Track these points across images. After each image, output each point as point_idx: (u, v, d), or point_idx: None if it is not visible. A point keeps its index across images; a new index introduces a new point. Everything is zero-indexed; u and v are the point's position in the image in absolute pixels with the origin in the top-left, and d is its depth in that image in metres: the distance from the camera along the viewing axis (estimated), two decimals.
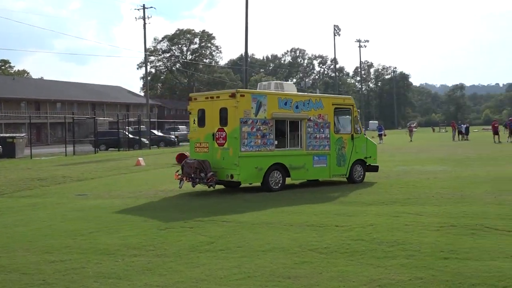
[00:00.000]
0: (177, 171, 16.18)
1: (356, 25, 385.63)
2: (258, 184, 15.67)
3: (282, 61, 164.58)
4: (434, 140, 53.26)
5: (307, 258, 7.77)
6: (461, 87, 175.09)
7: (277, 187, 15.54)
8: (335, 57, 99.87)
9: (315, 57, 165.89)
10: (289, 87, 17.30)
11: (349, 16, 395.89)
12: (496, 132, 44.85)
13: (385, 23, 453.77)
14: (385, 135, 53.47)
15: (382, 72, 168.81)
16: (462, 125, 54.22)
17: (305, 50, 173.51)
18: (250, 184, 16.10)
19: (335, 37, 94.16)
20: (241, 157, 14.91)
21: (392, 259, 7.57)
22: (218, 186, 15.92)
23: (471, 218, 10.37)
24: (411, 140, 50.89)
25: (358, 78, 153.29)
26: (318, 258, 7.79)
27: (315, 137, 16.66)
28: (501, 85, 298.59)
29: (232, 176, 14.98)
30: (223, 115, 15.21)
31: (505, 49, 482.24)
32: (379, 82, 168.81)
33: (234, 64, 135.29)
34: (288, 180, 16.21)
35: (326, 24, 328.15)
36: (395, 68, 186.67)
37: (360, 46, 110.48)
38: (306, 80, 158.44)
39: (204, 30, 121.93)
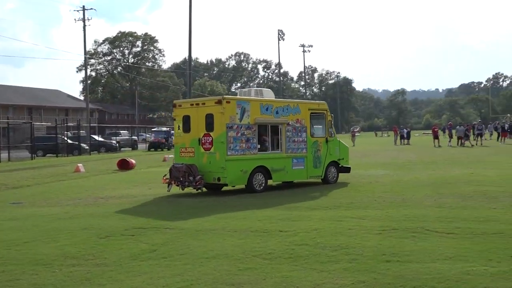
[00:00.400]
0: (165, 175, 16.77)
1: (300, 30, 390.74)
2: (242, 186, 16.47)
3: (227, 65, 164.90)
4: (377, 144, 54.50)
5: (251, 264, 7.78)
6: (402, 92, 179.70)
7: (260, 188, 16.47)
8: (279, 62, 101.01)
9: (260, 62, 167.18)
10: (268, 93, 18.32)
11: (293, 21, 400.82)
12: (436, 137, 46.32)
13: (329, 28, 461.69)
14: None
15: (326, 77, 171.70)
16: (403, 130, 55.69)
17: (249, 55, 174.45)
18: (233, 186, 16.72)
19: (280, 41, 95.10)
20: (228, 160, 15.75)
21: (336, 264, 7.68)
22: (160, 191, 15.72)
23: (412, 221, 10.64)
24: (353, 145, 51.92)
25: (302, 83, 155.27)
26: (262, 264, 7.81)
27: (294, 140, 17.70)
28: (440, 90, 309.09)
29: (219, 179, 15.79)
30: (209, 120, 16.00)
31: (444, 56, 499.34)
32: (323, 87, 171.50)
33: (177, 68, 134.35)
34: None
35: (270, 28, 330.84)
36: (339, 73, 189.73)
37: (304, 51, 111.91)
38: (251, 84, 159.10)
39: (146, 33, 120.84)
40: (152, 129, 64.75)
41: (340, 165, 19.30)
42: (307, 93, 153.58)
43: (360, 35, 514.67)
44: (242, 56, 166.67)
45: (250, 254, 8.36)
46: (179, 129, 16.92)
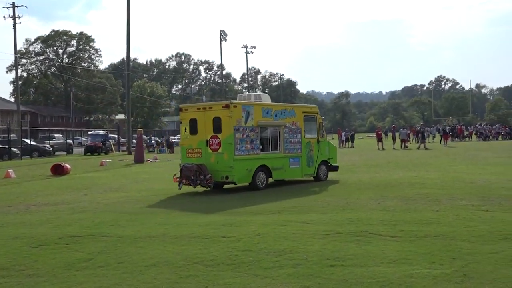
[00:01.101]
0: (175, 174, 18.32)
1: (243, 30, 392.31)
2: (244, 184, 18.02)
3: (167, 66, 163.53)
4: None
5: (192, 272, 7.73)
6: (346, 94, 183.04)
7: (262, 186, 18.21)
8: (221, 63, 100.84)
9: (201, 63, 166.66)
10: (266, 98, 20.35)
11: (235, 22, 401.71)
12: (380, 139, 47.36)
13: (272, 29, 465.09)
14: None
15: (270, 79, 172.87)
16: (347, 132, 56.73)
17: (190, 55, 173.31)
18: (236, 184, 18.04)
19: (222, 42, 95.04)
20: (236, 160, 17.43)
21: (280, 269, 7.73)
22: (97, 196, 15.41)
23: (356, 225, 10.84)
24: None
25: (246, 85, 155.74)
26: (203, 271, 7.78)
27: (290, 141, 19.55)
28: (384, 93, 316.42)
29: (227, 177, 17.48)
30: (217, 123, 17.62)
31: (388, 58, 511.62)
32: (267, 89, 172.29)
33: (115, 69, 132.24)
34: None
35: (212, 29, 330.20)
36: (282, 75, 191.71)
37: (247, 52, 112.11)
38: (192, 86, 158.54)
39: (82, 32, 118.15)
40: (89, 133, 63.48)
41: (329, 164, 21.31)
42: None
43: (304, 37, 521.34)
44: (183, 57, 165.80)
45: (192, 261, 8.31)
46: (185, 131, 18.46)
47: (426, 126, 55.77)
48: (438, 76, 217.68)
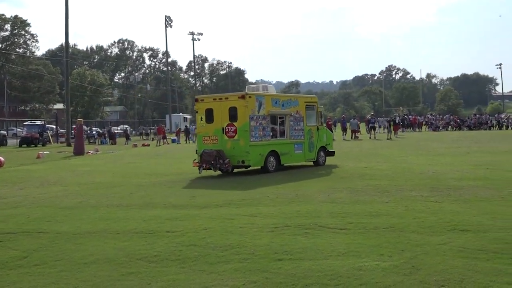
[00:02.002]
0: (195, 159, 20.85)
1: (189, 16, 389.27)
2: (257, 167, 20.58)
3: (109, 53, 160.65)
4: None
5: (135, 268, 7.66)
6: (296, 84, 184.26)
7: (272, 168, 20.69)
8: (167, 50, 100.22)
9: (146, 50, 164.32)
10: (272, 89, 23.17)
11: (181, 7, 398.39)
12: (330, 130, 47.91)
13: (220, 16, 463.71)
14: None
15: (217, 67, 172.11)
16: None
17: (134, 42, 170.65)
18: (241, 167, 20.87)
19: (167, 28, 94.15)
20: (251, 146, 19.92)
21: (226, 264, 7.74)
22: (33, 191, 15.04)
23: (305, 218, 10.96)
24: None
25: (192, 73, 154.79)
26: (147, 267, 7.71)
27: (295, 129, 22.11)
28: (334, 82, 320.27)
29: (243, 162, 20.01)
30: (233, 113, 20.09)
31: (338, 47, 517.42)
32: (214, 78, 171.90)
33: (53, 55, 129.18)
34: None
35: (157, 14, 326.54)
36: (231, 63, 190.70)
37: (193, 39, 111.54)
38: (136, 74, 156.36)
39: (16, 16, 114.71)
40: (24, 123, 61.82)
41: (326, 150, 24.03)
42: (197, 84, 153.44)
43: (254, 25, 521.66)
44: (126, 43, 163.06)
45: (134, 258, 8.22)
46: (201, 120, 20.90)
47: (378, 117, 56.85)
48: (389, 66, 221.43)
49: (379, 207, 12.01)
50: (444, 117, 68.85)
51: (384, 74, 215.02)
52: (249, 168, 20.98)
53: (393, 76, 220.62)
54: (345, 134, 48.02)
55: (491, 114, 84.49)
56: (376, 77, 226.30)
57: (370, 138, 46.08)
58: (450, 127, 66.76)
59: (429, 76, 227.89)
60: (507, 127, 64.46)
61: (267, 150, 20.65)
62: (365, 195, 13.87)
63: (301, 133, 22.41)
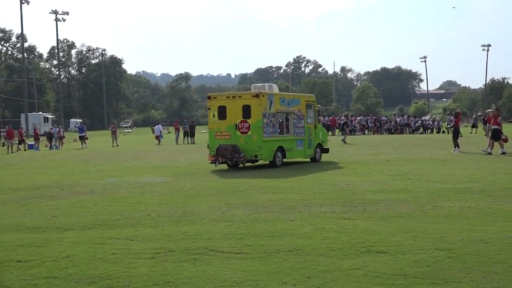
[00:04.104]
0: (209, 154, 26.17)
1: None
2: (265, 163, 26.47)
3: None
4: (153, 143, 55.09)
5: None
6: (186, 77, 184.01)
7: (279, 163, 26.49)
8: (22, 33, 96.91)
9: None
10: (276, 88, 28.99)
11: None
12: None
13: None
14: (87, 138, 53.71)
15: (88, 55, 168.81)
16: (185, 125, 57.01)
17: None
18: (253, 162, 26.90)
19: (22, 4, 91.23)
20: (264, 141, 25.51)
21: None
22: None
23: (193, 240, 10.97)
24: (117, 145, 52.11)
25: (55, 62, 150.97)
26: None
27: (297, 126, 28.00)
28: (233, 75, 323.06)
29: (256, 156, 25.68)
30: (246, 110, 25.58)
31: (238, 35, 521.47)
32: (83, 68, 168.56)
33: None
34: None
35: None
36: (105, 50, 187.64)
37: (57, 20, 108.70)
38: None
39: None
40: None
41: (322, 147, 29.96)
42: (62, 76, 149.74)
43: (133, 3, 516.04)
44: None
45: None
46: (214, 116, 26.24)
47: None
48: (297, 57, 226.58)
49: (282, 226, 12.20)
50: (359, 118, 70.87)
51: (292, 67, 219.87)
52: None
53: (302, 69, 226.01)
54: None
55: (415, 115, 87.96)
56: (282, 70, 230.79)
57: None
58: (367, 130, 68.88)
59: (344, 70, 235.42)
60: (432, 131, 67.36)
61: (276, 145, 26.27)
62: (266, 211, 14.06)
63: (302, 130, 28.24)
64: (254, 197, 16.61)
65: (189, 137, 55.59)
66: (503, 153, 29.03)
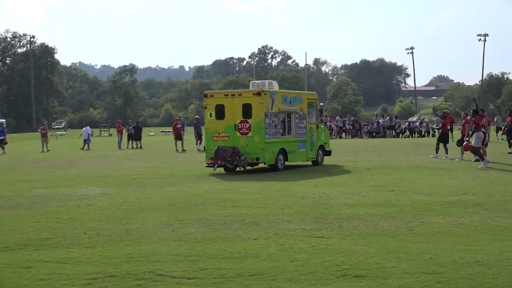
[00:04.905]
0: (207, 157, 27.81)
1: None
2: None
3: None
4: (91, 148, 54.65)
5: None
6: (131, 70, 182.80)
7: (281, 167, 28.20)
8: None
9: None
10: (275, 85, 30.76)
11: None
12: (179, 137, 47.87)
13: None
14: (6, 143, 51.95)
15: (13, 43, 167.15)
16: (130, 127, 56.48)
17: None
18: (255, 165, 28.26)
19: None
20: (266, 143, 27.25)
21: None
22: None
23: (138, 263, 10.92)
24: (47, 150, 51.31)
25: None
26: None
27: (299, 126, 29.81)
28: (187, 68, 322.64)
29: (257, 159, 27.26)
30: (247, 109, 27.20)
31: (193, 21, 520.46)
32: (8, 59, 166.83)
33: None
34: None
35: None
36: (34, 37, 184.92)
37: None
38: None
39: None
40: None
41: (324, 149, 31.98)
42: None
43: None
44: None
45: None
46: (211, 116, 27.94)
47: None
48: (263, 47, 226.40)
49: (244, 246, 12.21)
50: (337, 119, 71.29)
51: (257, 59, 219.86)
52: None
53: (269, 61, 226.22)
54: (200, 143, 48.16)
55: (400, 116, 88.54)
56: (245, 63, 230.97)
57: None
58: (344, 133, 69.26)
59: (317, 62, 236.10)
60: (420, 134, 67.93)
61: (278, 147, 28.09)
62: (225, 229, 14.06)
63: (304, 131, 30.17)
64: (211, 212, 16.59)
65: (134, 141, 55.16)
66: (449, 158, 31.44)
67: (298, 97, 30.92)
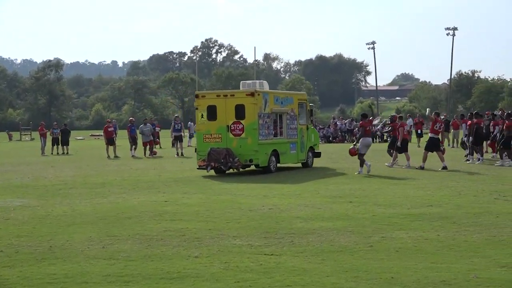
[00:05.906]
0: (199, 158, 30.04)
1: None
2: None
3: None
4: (10, 154, 54.20)
5: None
6: (56, 65, 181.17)
7: (273, 169, 30.73)
8: None
9: None
10: (266, 85, 33.07)
11: None
12: (110, 142, 47.48)
13: None
14: None
15: None
16: (55, 130, 55.67)
17: None
18: (248, 167, 30.98)
19: None
20: (260, 144, 29.66)
21: None
22: None
23: (63, 285, 10.95)
24: None
25: None
26: None
27: (290, 127, 32.43)
28: (120, 64, 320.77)
29: (251, 161, 29.80)
30: (240, 110, 29.64)
31: (124, 8, 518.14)
32: None
33: None
34: None
35: None
36: None
37: None
38: None
39: None
40: None
41: (314, 151, 34.87)
42: None
43: None
44: None
45: None
46: (202, 117, 30.38)
47: (191, 120, 57.33)
48: (206, 40, 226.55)
49: (183, 264, 12.22)
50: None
51: (199, 53, 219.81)
52: None
53: (214, 56, 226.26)
54: (135, 148, 47.86)
55: (353, 118, 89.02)
56: (186, 58, 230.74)
57: (177, 154, 46.50)
58: None
59: (267, 58, 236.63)
60: (381, 139, 68.44)
61: (271, 149, 30.59)
62: (162, 245, 14.05)
63: (295, 132, 32.79)
64: (146, 226, 16.56)
65: (60, 146, 54.56)
66: (414, 166, 31.71)
67: (289, 97, 33.79)
